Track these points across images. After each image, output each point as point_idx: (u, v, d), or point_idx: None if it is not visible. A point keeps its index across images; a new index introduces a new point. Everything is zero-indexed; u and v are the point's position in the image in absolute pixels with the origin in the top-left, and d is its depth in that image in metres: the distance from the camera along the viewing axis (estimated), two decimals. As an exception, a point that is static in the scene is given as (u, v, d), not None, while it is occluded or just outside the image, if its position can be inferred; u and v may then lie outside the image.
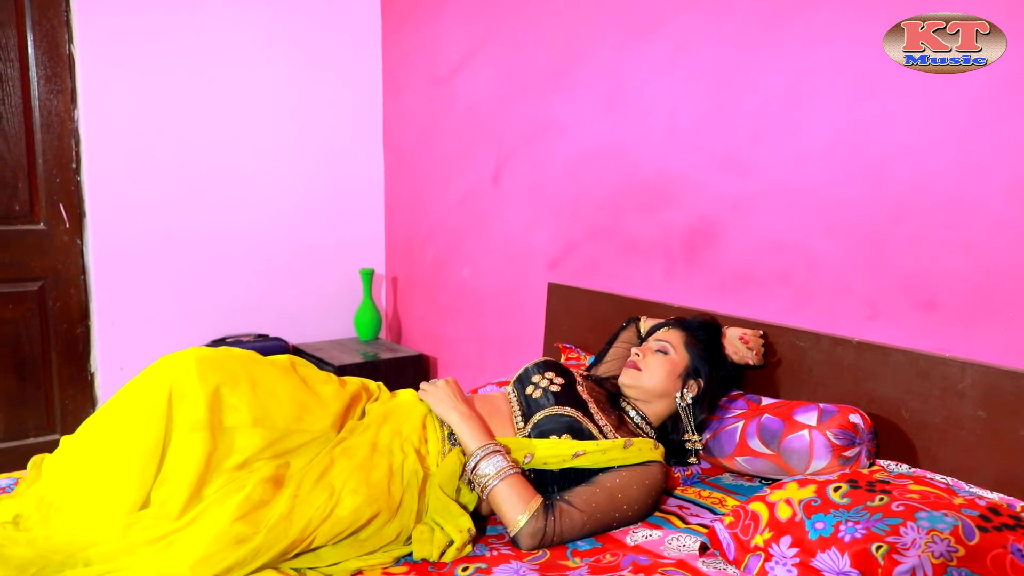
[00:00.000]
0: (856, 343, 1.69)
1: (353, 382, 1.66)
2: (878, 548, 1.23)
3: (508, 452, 1.53)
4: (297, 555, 1.31)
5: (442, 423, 1.60)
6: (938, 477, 1.53)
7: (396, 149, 3.47)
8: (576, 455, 1.54)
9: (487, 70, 2.84)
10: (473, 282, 3.01)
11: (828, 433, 1.55)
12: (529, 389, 1.69)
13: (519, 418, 1.65)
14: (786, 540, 1.33)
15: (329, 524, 1.33)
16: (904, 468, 1.58)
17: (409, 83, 3.31)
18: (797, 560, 1.30)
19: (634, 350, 1.77)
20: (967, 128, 1.54)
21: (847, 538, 1.27)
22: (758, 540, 1.36)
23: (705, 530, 1.47)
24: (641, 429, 1.72)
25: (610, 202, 2.37)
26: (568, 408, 1.62)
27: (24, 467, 1.93)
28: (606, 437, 1.60)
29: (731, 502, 1.64)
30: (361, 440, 1.49)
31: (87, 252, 2.98)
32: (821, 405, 1.62)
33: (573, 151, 2.49)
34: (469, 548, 1.44)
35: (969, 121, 1.54)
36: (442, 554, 1.40)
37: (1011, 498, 1.45)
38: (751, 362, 1.82)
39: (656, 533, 1.51)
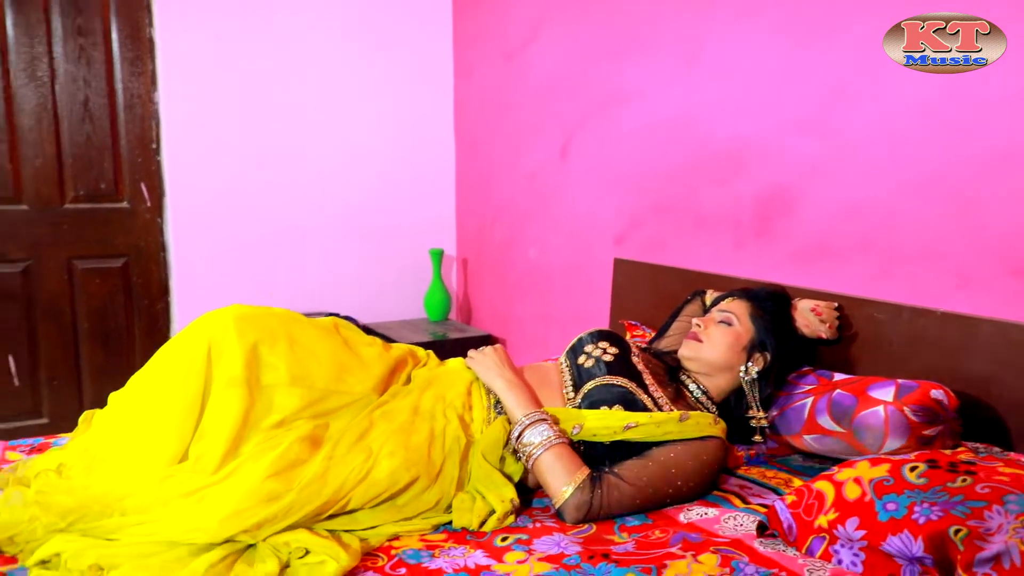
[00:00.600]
0: (940, 314, 1.54)
1: (399, 347, 1.62)
2: (956, 532, 1.10)
3: (555, 422, 1.46)
4: (331, 516, 1.28)
5: (489, 391, 1.55)
6: (1034, 461, 1.38)
7: (467, 128, 3.44)
8: (628, 427, 1.46)
9: (557, 41, 2.76)
10: (540, 261, 2.95)
11: (906, 409, 1.41)
12: (581, 359, 1.62)
13: (569, 388, 1.58)
14: (853, 521, 1.21)
15: (364, 486, 1.29)
16: (996, 451, 1.43)
17: (479, 61, 3.27)
18: (864, 543, 1.19)
19: (695, 321, 1.67)
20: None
21: (921, 520, 1.14)
22: (822, 521, 1.25)
23: (765, 510, 1.36)
24: (701, 404, 1.62)
25: (678, 173, 2.26)
26: (621, 378, 1.54)
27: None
28: (661, 410, 1.52)
29: (797, 483, 1.52)
30: (403, 404, 1.45)
31: (167, 230, 3.07)
32: (900, 381, 1.48)
33: (642, 121, 2.39)
34: (512, 519, 1.38)
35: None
36: (482, 523, 1.34)
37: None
38: (824, 336, 1.69)
39: (712, 511, 1.41)
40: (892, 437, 1.41)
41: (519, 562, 1.23)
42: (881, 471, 1.27)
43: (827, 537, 1.24)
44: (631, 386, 1.53)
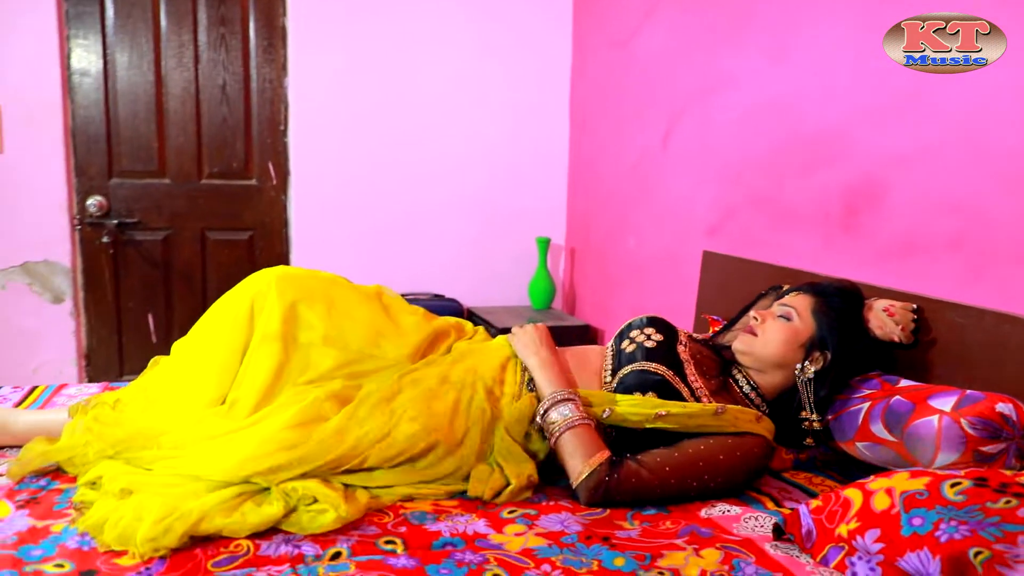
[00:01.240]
0: (1026, 321, 1.37)
1: (443, 320, 1.66)
2: (977, 554, 1.00)
3: (584, 403, 1.44)
4: (349, 472, 1.33)
5: (524, 368, 1.55)
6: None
7: (580, 118, 3.43)
8: (659, 415, 1.42)
9: (663, 28, 2.70)
10: (638, 251, 2.89)
11: (963, 421, 1.27)
12: (624, 343, 1.59)
13: (608, 372, 1.55)
14: (873, 533, 1.12)
15: (382, 446, 1.34)
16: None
17: (595, 48, 3.25)
18: (881, 557, 1.09)
19: (752, 313, 1.59)
20: None
21: (944, 538, 1.04)
22: (842, 530, 1.16)
23: (789, 511, 1.28)
24: (749, 400, 1.54)
25: (770, 163, 2.15)
26: (659, 365, 1.50)
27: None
28: (698, 401, 1.46)
29: (844, 492, 1.41)
30: (432, 372, 1.49)
31: (289, 207, 3.29)
32: (969, 391, 1.34)
33: (739, 109, 2.29)
34: (527, 494, 1.38)
35: None
36: (496, 495, 1.35)
37: None
38: (896, 339, 1.55)
39: (735, 509, 1.35)
40: (944, 450, 1.28)
41: (516, 534, 1.24)
42: (918, 484, 1.16)
43: (845, 548, 1.15)
44: (668, 374, 1.48)
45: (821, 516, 1.21)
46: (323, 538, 1.20)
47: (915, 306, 1.58)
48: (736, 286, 2.22)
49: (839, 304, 1.55)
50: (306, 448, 1.28)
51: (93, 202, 3.05)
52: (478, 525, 1.26)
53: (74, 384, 1.89)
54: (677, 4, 2.60)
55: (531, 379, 1.52)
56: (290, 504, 1.22)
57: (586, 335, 3.20)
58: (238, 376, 1.40)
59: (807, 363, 1.51)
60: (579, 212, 3.46)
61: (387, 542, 1.19)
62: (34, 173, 2.97)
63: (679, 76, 2.60)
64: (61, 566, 1.08)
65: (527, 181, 3.52)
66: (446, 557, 1.15)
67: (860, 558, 1.12)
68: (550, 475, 1.46)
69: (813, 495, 1.43)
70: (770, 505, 1.38)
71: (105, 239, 3.07)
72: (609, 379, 1.53)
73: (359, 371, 1.47)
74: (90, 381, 3.14)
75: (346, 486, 1.32)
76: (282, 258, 3.31)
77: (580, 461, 1.36)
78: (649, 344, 1.55)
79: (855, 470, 1.49)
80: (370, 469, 1.35)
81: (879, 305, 1.59)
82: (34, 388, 1.84)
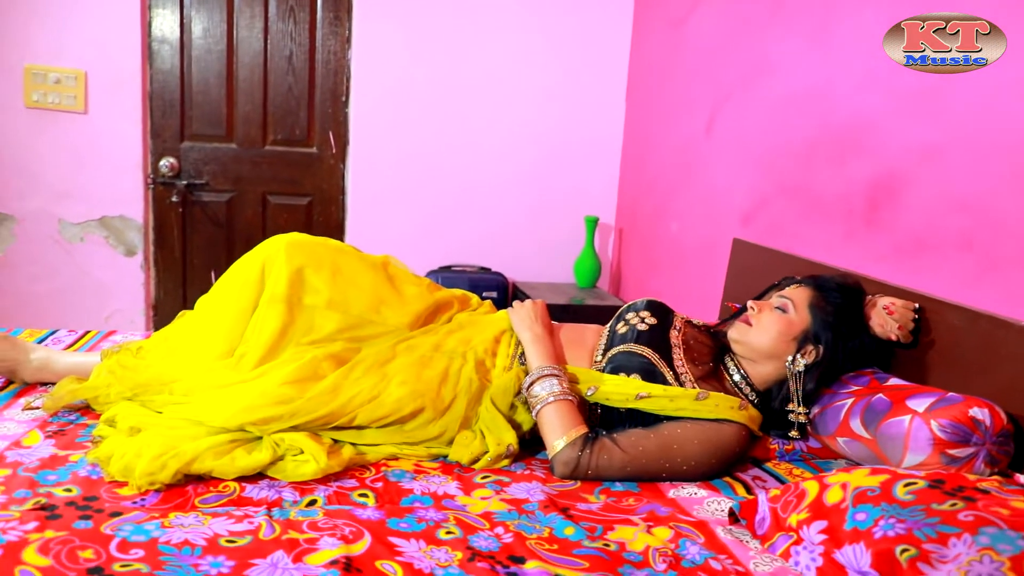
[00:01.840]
0: (1020, 327, 1.34)
1: (450, 292, 1.73)
2: (903, 551, 1.01)
3: (569, 380, 1.49)
4: (340, 428, 1.43)
5: (519, 342, 1.61)
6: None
7: (636, 99, 3.42)
8: (640, 396, 1.46)
9: (714, 9, 2.67)
10: (679, 236, 2.89)
11: (933, 423, 1.27)
12: (619, 325, 1.63)
13: (600, 351, 1.59)
14: (819, 525, 1.14)
15: (371, 407, 1.43)
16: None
17: (653, 28, 3.23)
18: (823, 549, 1.11)
19: (750, 303, 1.60)
20: None
21: (879, 534, 1.06)
22: (793, 519, 1.19)
23: (750, 498, 1.30)
24: (739, 389, 1.56)
25: (802, 153, 2.12)
26: (646, 348, 1.53)
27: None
28: (682, 386, 1.49)
29: (820, 486, 1.42)
30: (427, 340, 1.57)
31: (347, 176, 3.42)
32: (950, 393, 1.32)
33: (777, 96, 2.26)
34: (505, 463, 1.45)
35: None
36: (474, 461, 1.43)
37: None
38: (894, 337, 1.54)
39: (701, 492, 1.38)
40: (912, 451, 1.28)
41: (482, 498, 1.31)
42: (873, 481, 1.17)
43: (793, 536, 1.17)
44: (654, 357, 1.52)
45: (777, 505, 1.23)
46: (304, 486, 1.30)
47: (916, 305, 1.56)
48: (761, 276, 2.21)
49: (837, 299, 1.54)
50: (299, 403, 1.39)
51: (166, 163, 3.26)
52: (450, 487, 1.34)
53: (122, 333, 2.06)
54: (729, -14, 2.57)
55: (523, 353, 1.58)
56: (278, 453, 1.33)
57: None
58: (246, 333, 1.51)
59: (799, 356, 1.52)
60: (629, 193, 3.46)
61: (361, 495, 1.29)
62: (114, 134, 3.19)
63: (726, 60, 2.57)
64: (69, 490, 1.22)
65: (580, 160, 3.54)
66: (410, 512, 1.23)
67: (805, 548, 1.15)
68: (536, 447, 1.52)
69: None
70: (740, 492, 1.40)
71: (175, 199, 3.28)
72: (600, 358, 1.58)
73: (360, 335, 1.56)
74: (156, 330, 3.37)
75: (335, 441, 1.43)
76: (338, 225, 3.45)
77: (557, 435, 1.42)
78: (642, 327, 1.58)
79: (838, 465, 1.50)
80: (360, 427, 1.44)
81: (882, 303, 1.58)
82: (86, 332, 2.03)
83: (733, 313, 1.88)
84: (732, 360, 1.59)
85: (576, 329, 1.68)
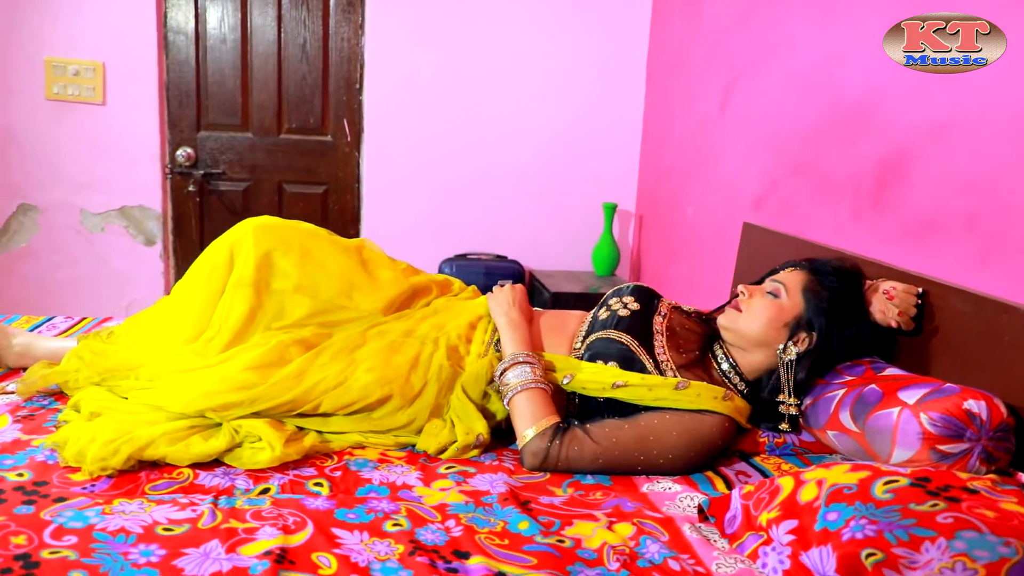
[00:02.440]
0: (1025, 312, 1.23)
1: (428, 276, 1.68)
2: (869, 555, 0.93)
3: (544, 368, 1.43)
4: (304, 415, 1.39)
5: (496, 328, 1.55)
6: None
7: (655, 83, 3.31)
8: (616, 385, 1.39)
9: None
10: (694, 221, 2.79)
11: (923, 416, 1.17)
12: (602, 311, 1.56)
13: (580, 338, 1.52)
14: (788, 524, 1.06)
15: (336, 393, 1.39)
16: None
17: (671, 10, 3.12)
18: (790, 551, 1.03)
19: (740, 288, 1.51)
20: None
21: (847, 536, 0.97)
22: (763, 518, 1.11)
23: (719, 495, 1.22)
24: (727, 378, 1.48)
25: (813, 131, 2.01)
26: (625, 335, 1.46)
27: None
28: (663, 375, 1.41)
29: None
30: (399, 326, 1.52)
31: (362, 164, 3.39)
32: (946, 384, 1.22)
33: (790, 72, 2.15)
34: (475, 452, 1.40)
35: None
36: (441, 451, 1.38)
37: None
38: (894, 324, 1.43)
39: (676, 487, 1.31)
40: (900, 446, 1.18)
41: (441, 489, 1.26)
42: (852, 478, 1.08)
43: (764, 536, 1.09)
44: (633, 344, 1.44)
45: (749, 502, 1.15)
46: (260, 474, 1.27)
47: (920, 290, 1.45)
48: (769, 260, 2.11)
49: (833, 283, 1.44)
50: (261, 389, 1.35)
51: (183, 153, 3.28)
52: (410, 477, 1.29)
53: (117, 319, 2.06)
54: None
55: (499, 339, 1.52)
56: (236, 440, 1.29)
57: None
58: (214, 317, 1.49)
59: (790, 344, 1.43)
60: (649, 178, 3.37)
61: (316, 484, 1.25)
62: (132, 125, 3.22)
63: (739, 37, 2.46)
64: (21, 475, 1.20)
65: (598, 146, 3.46)
66: (361, 503, 1.18)
67: (773, 549, 1.07)
68: (511, 438, 1.46)
69: (776, 481, 1.35)
70: (720, 487, 1.32)
71: (192, 188, 3.29)
72: (579, 345, 1.51)
73: (331, 321, 1.52)
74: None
75: (300, 429, 1.39)
76: (354, 213, 3.43)
77: (527, 424, 1.36)
78: (623, 312, 1.51)
79: (831, 459, 1.40)
80: (325, 415, 1.40)
81: (883, 287, 1.47)
82: (83, 319, 2.03)
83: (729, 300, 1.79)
84: (721, 348, 1.51)
85: (559, 315, 1.61)
